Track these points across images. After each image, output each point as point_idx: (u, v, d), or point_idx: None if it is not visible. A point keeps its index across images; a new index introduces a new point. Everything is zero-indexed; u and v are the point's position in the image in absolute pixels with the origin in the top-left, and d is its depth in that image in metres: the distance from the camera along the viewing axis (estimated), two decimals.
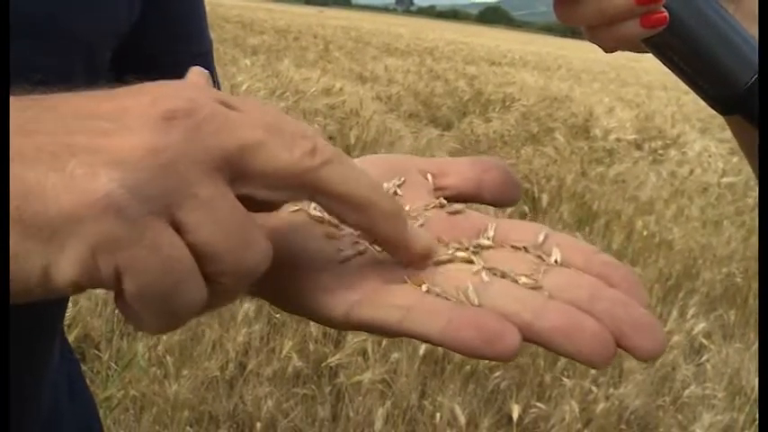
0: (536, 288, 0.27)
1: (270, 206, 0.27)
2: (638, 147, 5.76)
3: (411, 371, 1.95)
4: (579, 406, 1.95)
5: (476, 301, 0.27)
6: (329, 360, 1.93)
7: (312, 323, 2.06)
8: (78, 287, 0.23)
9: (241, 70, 5.25)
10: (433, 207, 0.33)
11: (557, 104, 7.03)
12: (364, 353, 1.97)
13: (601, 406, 2.00)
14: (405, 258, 0.29)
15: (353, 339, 1.98)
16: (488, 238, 0.31)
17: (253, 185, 0.25)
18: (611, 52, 0.38)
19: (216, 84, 0.54)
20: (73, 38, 0.43)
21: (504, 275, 0.28)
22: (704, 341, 2.50)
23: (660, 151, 5.62)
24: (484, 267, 0.28)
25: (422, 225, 0.32)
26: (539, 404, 1.98)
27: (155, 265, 0.22)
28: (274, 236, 0.30)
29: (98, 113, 0.24)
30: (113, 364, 1.86)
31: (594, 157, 5.07)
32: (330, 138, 3.70)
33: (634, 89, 11.00)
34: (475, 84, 8.10)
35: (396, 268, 0.29)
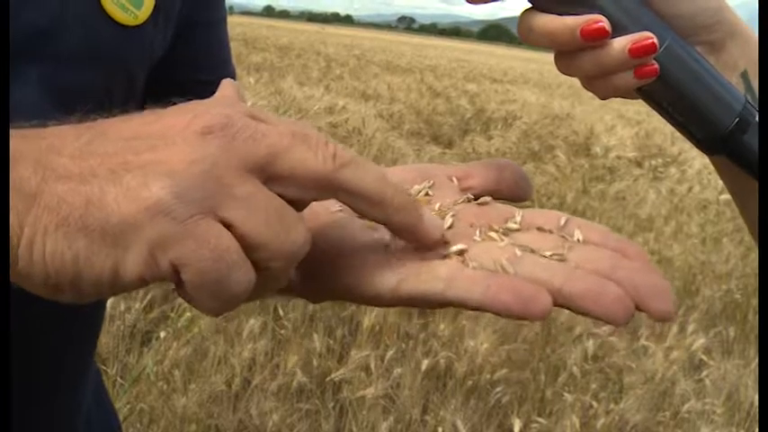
0: (562, 260, 0.31)
1: (298, 205, 0.29)
2: (639, 164, 5.79)
3: (414, 385, 1.97)
4: (580, 421, 1.97)
5: (511, 271, 0.30)
6: (333, 375, 1.95)
7: (315, 338, 2.09)
8: (144, 282, 0.27)
9: (244, 88, 5.27)
10: (462, 202, 0.37)
11: (558, 122, 7.07)
12: (367, 368, 1.99)
13: (601, 421, 2.01)
14: (422, 244, 0.32)
15: (357, 355, 2.00)
16: (516, 223, 0.34)
17: (284, 185, 0.28)
18: (606, 99, 0.41)
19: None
20: (117, 65, 0.47)
21: (533, 251, 0.31)
22: (704, 357, 2.51)
23: (660, 169, 5.64)
24: (514, 244, 0.32)
25: (453, 215, 0.35)
26: (540, 419, 1.99)
27: (205, 256, 0.26)
28: (320, 230, 0.34)
29: (146, 133, 0.28)
30: (119, 379, 1.89)
31: (595, 175, 5.10)
32: None
33: (634, 107, 11.01)
34: (476, 101, 8.14)
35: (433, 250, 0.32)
